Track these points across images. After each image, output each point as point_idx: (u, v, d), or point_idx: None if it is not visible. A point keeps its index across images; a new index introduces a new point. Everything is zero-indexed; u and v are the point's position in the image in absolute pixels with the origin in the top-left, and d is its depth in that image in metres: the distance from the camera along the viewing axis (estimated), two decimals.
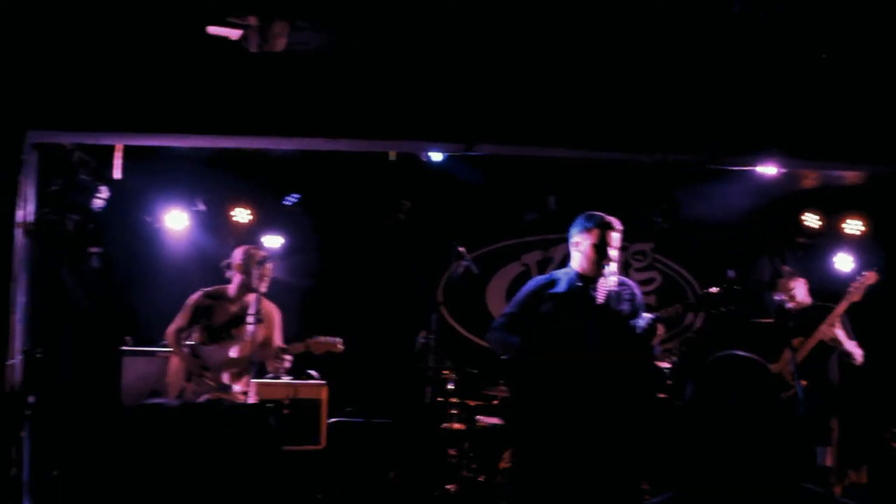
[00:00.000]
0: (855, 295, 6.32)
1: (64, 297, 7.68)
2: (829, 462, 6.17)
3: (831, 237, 8.50)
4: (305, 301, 8.14)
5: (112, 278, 7.92)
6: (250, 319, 6.12)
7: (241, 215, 8.10)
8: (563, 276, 5.32)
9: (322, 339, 6.34)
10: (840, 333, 6.26)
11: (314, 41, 5.04)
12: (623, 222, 8.43)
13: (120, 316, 7.79)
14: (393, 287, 8.22)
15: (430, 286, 7.94)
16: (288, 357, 6.33)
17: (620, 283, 5.27)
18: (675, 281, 8.67)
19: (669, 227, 8.65)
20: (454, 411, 6.97)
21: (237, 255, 6.38)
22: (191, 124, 5.43)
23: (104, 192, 7.21)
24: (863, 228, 8.37)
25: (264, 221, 8.24)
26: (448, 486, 6.76)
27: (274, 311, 6.45)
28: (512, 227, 8.69)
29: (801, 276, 6.93)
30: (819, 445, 6.17)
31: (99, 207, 7.04)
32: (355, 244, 8.41)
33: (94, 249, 7.88)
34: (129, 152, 7.24)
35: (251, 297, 6.21)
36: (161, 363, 6.66)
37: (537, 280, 5.42)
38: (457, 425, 6.96)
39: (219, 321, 6.30)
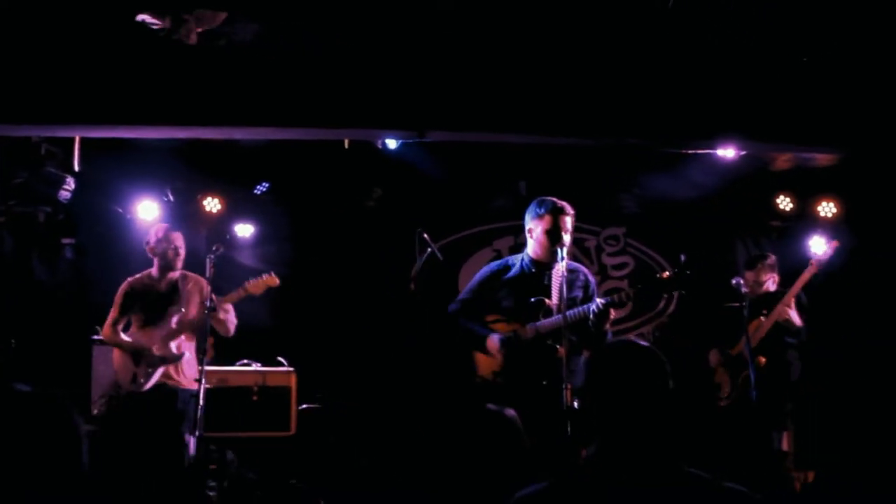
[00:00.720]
0: (814, 267, 6.30)
1: (36, 287, 7.75)
2: (785, 447, 6.17)
3: (805, 220, 8.49)
4: (278, 289, 8.14)
5: (85, 269, 7.97)
6: (178, 299, 6.33)
7: (212, 204, 8.11)
8: (517, 262, 5.35)
9: (256, 280, 6.44)
10: (793, 314, 6.24)
11: (249, 32, 5.02)
12: (594, 207, 8.58)
13: (92, 306, 7.81)
14: (363, 274, 8.23)
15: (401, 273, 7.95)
16: (229, 307, 6.33)
17: (572, 270, 5.29)
18: (648, 265, 8.66)
19: (641, 212, 8.69)
20: None
21: (150, 237, 6.45)
22: (141, 115, 5.43)
23: (71, 184, 7.24)
24: (836, 211, 8.37)
25: (235, 210, 8.25)
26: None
27: (201, 280, 6.47)
28: (483, 212, 8.68)
29: (772, 262, 6.88)
30: (775, 430, 6.17)
31: (66, 199, 7.07)
32: (327, 232, 8.41)
33: (66, 240, 7.95)
34: (98, 144, 7.27)
35: (175, 274, 6.39)
36: None
37: (491, 266, 5.46)
38: None
39: (150, 302, 6.33)
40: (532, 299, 5.13)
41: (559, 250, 5.08)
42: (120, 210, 7.91)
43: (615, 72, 5.68)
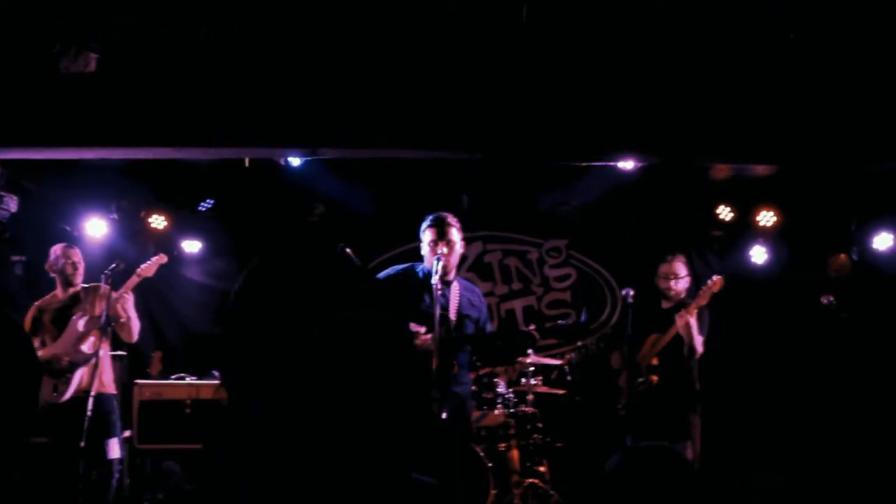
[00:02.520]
0: (702, 299, 6.37)
1: None
2: (689, 456, 6.24)
3: (745, 230, 8.55)
4: (223, 302, 8.35)
5: (33, 285, 8.18)
6: (82, 307, 6.57)
7: (158, 221, 8.31)
8: (420, 271, 5.51)
9: (147, 264, 6.82)
10: (693, 322, 6.30)
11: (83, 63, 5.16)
12: (536, 219, 8.71)
13: None
14: None
15: None
16: (128, 296, 6.58)
17: (470, 289, 5.52)
18: (590, 277, 8.76)
19: (583, 223, 8.78)
20: None
21: (50, 255, 6.71)
22: (46, 137, 5.61)
23: (12, 203, 7.47)
24: (775, 220, 8.42)
25: (180, 227, 8.44)
26: None
27: (101, 286, 6.67)
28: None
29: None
30: (678, 441, 6.24)
31: (4, 217, 7.30)
32: (269, 248, 8.56)
33: (15, 258, 8.19)
34: (45, 163, 7.51)
35: (76, 288, 6.66)
36: None
37: (395, 269, 5.61)
38: None
39: (56, 317, 6.59)
40: (439, 311, 5.23)
41: (436, 262, 5.22)
42: (67, 228, 8.11)
43: (512, 86, 5.78)
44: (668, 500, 2.06)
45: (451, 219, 5.47)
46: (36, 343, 6.52)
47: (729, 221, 8.55)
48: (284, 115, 5.62)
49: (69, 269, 6.61)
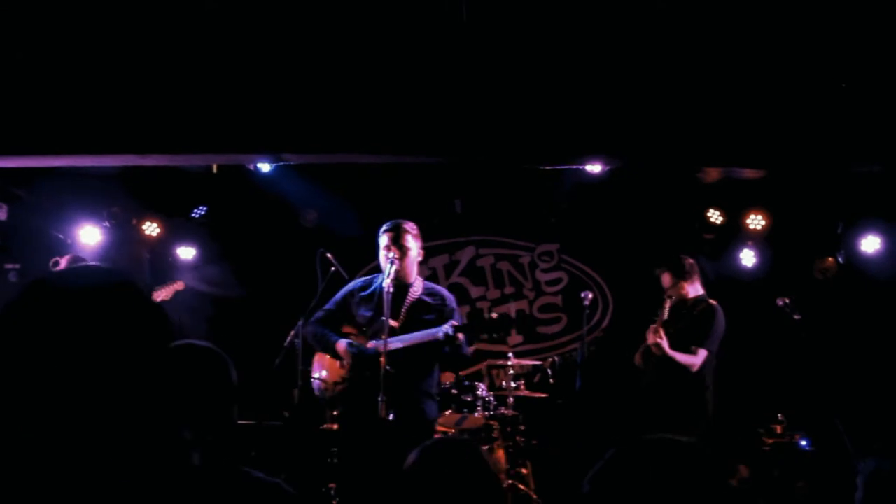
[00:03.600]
0: (664, 314, 6.30)
1: None
2: None
3: (735, 233, 8.61)
4: (219, 307, 8.42)
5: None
6: None
7: (151, 229, 8.38)
8: (377, 280, 5.57)
9: (163, 287, 7.06)
10: (664, 343, 6.19)
11: None
12: (528, 223, 8.77)
13: None
14: (301, 294, 8.44)
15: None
16: None
17: (433, 293, 5.52)
18: (581, 280, 8.81)
19: (575, 228, 8.84)
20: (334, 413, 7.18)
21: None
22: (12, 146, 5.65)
23: (1, 212, 7.54)
24: (764, 223, 8.49)
25: (174, 234, 8.51)
26: (331, 485, 6.97)
27: None
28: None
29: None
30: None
31: None
32: (265, 253, 8.64)
33: (9, 265, 8.25)
34: (37, 171, 7.57)
35: None
36: None
37: (355, 282, 5.72)
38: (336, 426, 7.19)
39: None
40: (382, 318, 5.29)
41: (389, 266, 5.30)
42: (61, 236, 8.18)
43: (475, 89, 5.80)
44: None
45: (408, 225, 5.56)
46: None
47: (719, 225, 8.61)
48: (249, 120, 5.65)
49: None
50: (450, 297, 5.68)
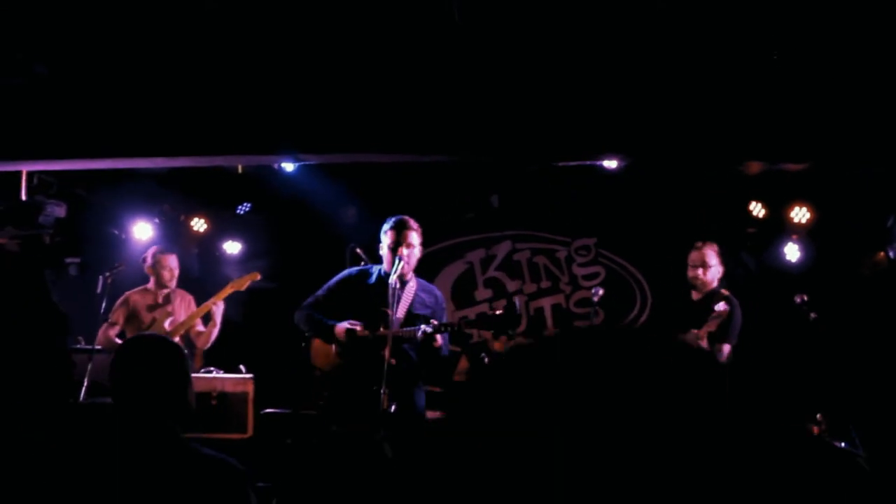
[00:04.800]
0: (711, 326, 6.14)
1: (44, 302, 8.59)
2: None
3: (778, 227, 8.39)
4: (267, 300, 8.73)
5: (90, 285, 8.76)
6: (170, 308, 7.07)
7: (198, 224, 8.78)
8: (375, 272, 5.71)
9: (240, 277, 7.30)
10: (703, 346, 6.14)
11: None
12: (565, 218, 8.76)
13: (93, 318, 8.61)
14: None
15: None
16: (219, 306, 7.03)
17: (428, 291, 5.65)
18: (619, 275, 8.76)
19: (613, 222, 8.78)
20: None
21: (147, 257, 7.09)
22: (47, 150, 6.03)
23: (58, 210, 8.03)
24: (809, 216, 8.24)
25: (221, 229, 8.89)
26: None
27: (188, 294, 7.29)
28: (456, 226, 8.99)
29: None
30: None
31: (48, 223, 7.85)
32: (309, 248, 8.91)
33: (70, 259, 8.78)
34: (97, 172, 8.04)
35: (168, 289, 7.18)
36: None
37: (350, 270, 5.86)
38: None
39: (146, 312, 6.98)
40: (383, 310, 5.44)
41: (398, 262, 5.41)
42: (116, 231, 8.66)
43: (487, 87, 5.86)
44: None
45: (412, 223, 5.68)
46: (117, 329, 7.01)
47: (762, 218, 8.40)
48: (271, 123, 5.86)
49: (166, 274, 7.15)
50: (440, 296, 5.85)
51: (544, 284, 8.84)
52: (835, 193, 8.14)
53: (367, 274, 5.77)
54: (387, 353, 5.21)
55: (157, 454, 2.63)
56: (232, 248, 8.94)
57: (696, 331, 6.14)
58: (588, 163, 7.02)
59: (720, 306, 6.15)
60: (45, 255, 8.56)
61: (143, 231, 8.65)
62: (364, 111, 5.84)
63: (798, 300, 6.63)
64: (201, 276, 8.67)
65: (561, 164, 7.03)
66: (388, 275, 5.54)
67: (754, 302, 7.28)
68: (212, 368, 7.95)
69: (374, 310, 5.50)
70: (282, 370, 8.10)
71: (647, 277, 8.73)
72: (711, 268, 6.56)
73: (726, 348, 6.26)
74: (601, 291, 6.64)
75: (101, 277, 6.98)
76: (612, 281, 8.74)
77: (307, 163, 6.68)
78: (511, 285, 8.88)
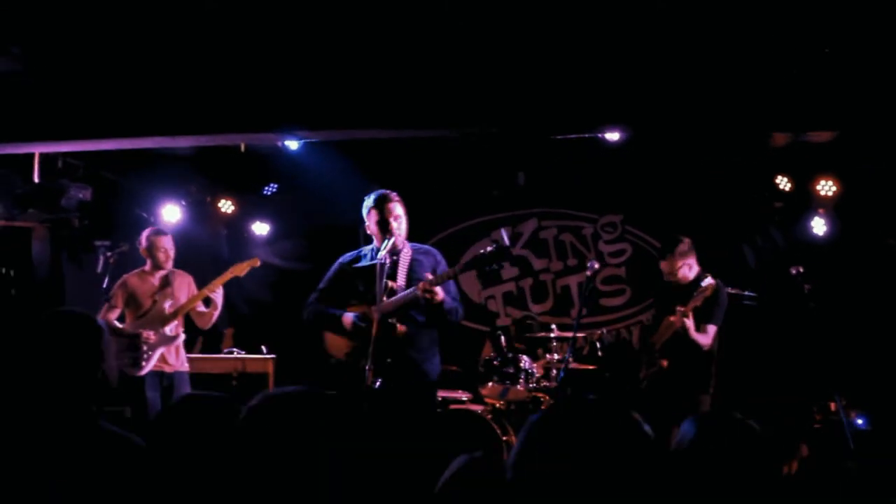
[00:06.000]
0: (697, 300, 6.11)
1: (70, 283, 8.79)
2: None
3: (805, 200, 8.23)
4: (295, 282, 8.81)
5: (119, 268, 8.92)
6: (169, 291, 7.00)
7: (226, 206, 8.88)
8: (367, 252, 5.69)
9: (240, 263, 7.13)
10: (690, 325, 6.08)
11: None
12: (591, 194, 8.70)
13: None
14: None
15: None
16: (219, 290, 6.98)
17: (424, 252, 5.60)
18: (646, 252, 8.67)
19: (639, 198, 8.69)
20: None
21: (141, 240, 7.10)
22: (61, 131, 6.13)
23: (82, 193, 8.18)
24: (836, 189, 8.08)
25: (248, 211, 8.99)
26: None
27: (187, 275, 7.19)
28: (483, 204, 8.97)
29: (684, 248, 6.71)
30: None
31: (70, 205, 8.01)
32: (336, 228, 8.95)
33: (99, 242, 8.94)
34: (124, 155, 8.17)
35: (165, 270, 7.05)
36: None
37: (344, 257, 5.81)
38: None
39: (145, 295, 7.04)
40: (382, 282, 5.41)
41: (388, 240, 5.39)
42: (144, 214, 8.79)
43: (497, 62, 5.81)
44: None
45: (393, 194, 5.61)
46: (117, 312, 7.07)
47: (788, 192, 8.26)
48: (273, 100, 5.89)
49: (161, 256, 7.02)
50: (437, 253, 5.75)
51: (570, 262, 8.80)
52: (861, 165, 7.97)
53: (360, 257, 5.75)
54: (374, 328, 5.19)
55: (59, 430, 2.62)
56: (260, 229, 9.04)
57: (681, 307, 6.10)
58: (599, 135, 6.92)
59: (706, 282, 6.13)
60: (74, 237, 8.79)
61: (171, 213, 8.77)
62: (364, 86, 5.82)
63: (794, 272, 6.51)
64: (231, 258, 8.76)
65: (577, 135, 6.92)
66: (377, 253, 5.50)
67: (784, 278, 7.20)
68: (233, 349, 8.07)
69: (376, 287, 5.49)
70: (307, 351, 8.20)
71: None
72: (680, 270, 6.43)
73: (711, 329, 6.22)
74: (596, 265, 6.57)
75: (101, 256, 7.05)
76: (638, 257, 8.66)
77: (310, 140, 6.67)
78: (537, 263, 8.86)
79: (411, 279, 5.50)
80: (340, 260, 5.79)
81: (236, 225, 9.07)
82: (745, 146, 8.09)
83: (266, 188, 8.86)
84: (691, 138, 7.89)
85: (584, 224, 8.86)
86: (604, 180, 8.67)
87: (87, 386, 2.81)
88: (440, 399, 7.22)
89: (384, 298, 5.37)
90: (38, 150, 6.84)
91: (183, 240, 8.91)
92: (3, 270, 8.80)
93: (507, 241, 5.32)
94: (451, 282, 5.55)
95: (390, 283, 5.42)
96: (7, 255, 8.85)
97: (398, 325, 5.33)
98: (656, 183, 8.53)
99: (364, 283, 5.57)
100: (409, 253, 5.61)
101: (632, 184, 8.63)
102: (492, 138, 7.97)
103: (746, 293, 7.37)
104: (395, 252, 5.55)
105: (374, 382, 5.15)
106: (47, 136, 6.14)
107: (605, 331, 7.66)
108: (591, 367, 7.47)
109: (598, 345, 7.52)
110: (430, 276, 5.35)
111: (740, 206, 8.47)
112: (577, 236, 8.85)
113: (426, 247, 5.74)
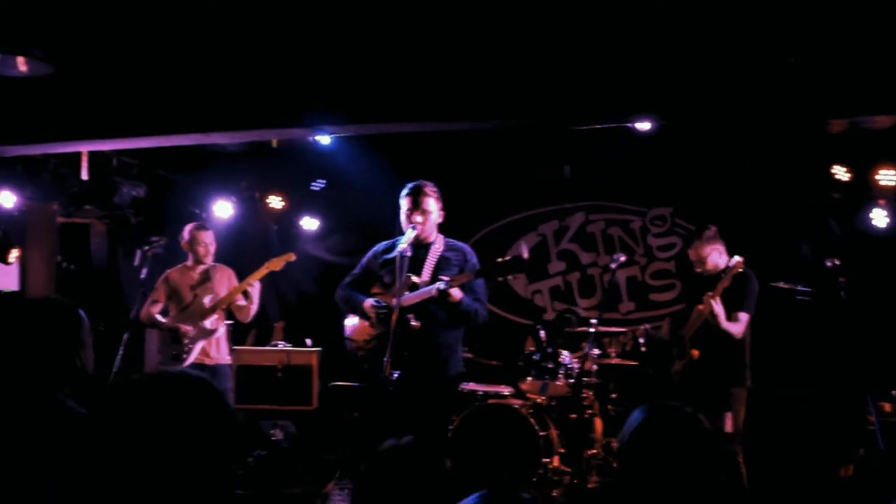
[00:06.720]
0: (725, 282, 5.99)
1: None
2: (728, 428, 5.96)
3: (864, 190, 7.91)
4: (336, 277, 8.85)
5: (174, 263, 9.12)
6: (210, 285, 7.10)
7: (275, 202, 8.99)
8: (400, 241, 5.69)
9: (276, 258, 7.19)
10: (720, 311, 5.98)
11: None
12: (640, 187, 8.52)
13: None
14: None
15: None
16: (256, 285, 7.04)
17: (455, 249, 5.59)
18: None
19: (689, 190, 8.48)
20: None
21: (184, 233, 7.22)
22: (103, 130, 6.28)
23: (135, 191, 8.37)
24: None
25: (297, 206, 9.08)
26: None
27: (228, 269, 7.31)
28: (529, 197, 8.88)
29: (711, 234, 6.55)
30: (718, 411, 5.97)
31: (123, 202, 8.21)
32: (385, 223, 8.97)
33: (155, 238, 9.15)
34: (178, 153, 8.35)
35: (206, 265, 7.18)
36: None
37: (379, 245, 5.84)
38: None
39: (186, 288, 7.17)
40: (402, 274, 5.42)
41: (410, 230, 5.38)
42: (197, 211, 8.96)
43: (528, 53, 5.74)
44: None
45: (429, 188, 5.60)
46: (160, 306, 7.23)
47: (846, 182, 7.94)
48: (303, 95, 5.92)
49: (201, 250, 7.17)
50: (469, 251, 5.73)
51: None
52: None
53: (393, 246, 5.76)
54: (394, 319, 5.19)
55: (31, 416, 2.68)
56: (309, 224, 9.13)
57: (709, 293, 6.00)
58: (647, 126, 6.73)
59: (734, 260, 6.06)
60: (130, 234, 9.01)
61: (223, 209, 8.92)
62: (390, 80, 5.81)
63: (829, 264, 6.30)
64: (281, 253, 8.84)
65: (621, 126, 6.77)
66: (407, 243, 5.50)
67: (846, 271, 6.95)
68: (278, 342, 8.16)
69: (400, 278, 5.48)
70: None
71: (727, 247, 8.36)
72: (709, 257, 6.37)
73: (743, 317, 6.10)
74: (623, 258, 6.45)
75: (138, 251, 7.20)
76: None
77: (341, 135, 6.70)
78: (585, 257, 8.72)
79: (437, 275, 5.50)
80: (375, 248, 5.83)
81: (286, 220, 9.18)
82: (799, 135, 7.81)
83: (314, 183, 8.93)
84: (743, 127, 7.67)
85: (633, 217, 8.69)
86: (653, 172, 8.47)
87: (60, 370, 2.86)
88: (481, 393, 7.20)
89: (406, 292, 5.38)
90: (80, 148, 7.00)
91: (234, 235, 9.10)
92: (64, 265, 9.12)
93: (525, 253, 5.29)
94: (480, 282, 5.54)
95: (413, 278, 5.44)
96: (67, 250, 9.17)
97: (412, 321, 5.32)
98: (707, 174, 8.30)
99: (389, 273, 5.59)
100: (440, 249, 5.62)
101: (681, 176, 8.42)
102: (536, 131, 7.90)
103: (799, 287, 7.17)
104: (423, 245, 5.55)
105: (392, 374, 5.16)
106: (91, 135, 6.29)
107: (648, 326, 7.47)
108: (631, 363, 7.33)
109: (640, 340, 7.36)
110: (444, 279, 5.33)
111: (795, 198, 8.19)
112: (626, 230, 8.68)
113: (459, 244, 5.73)
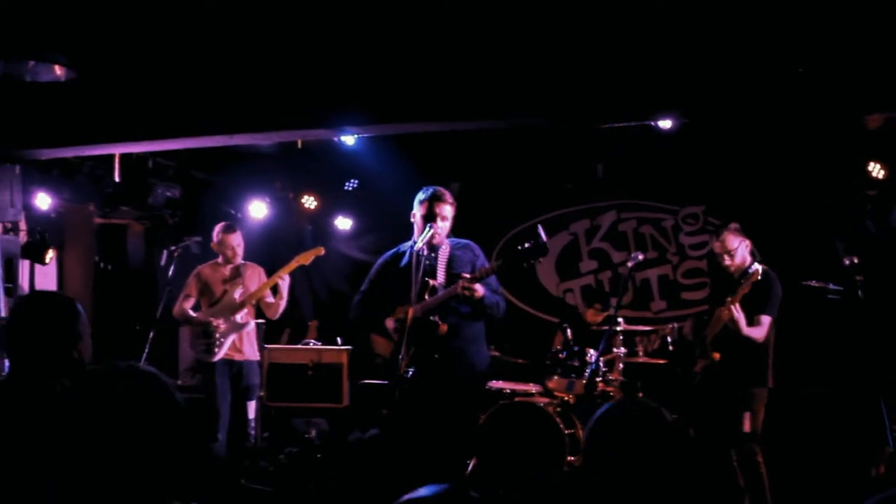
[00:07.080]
0: (745, 287, 5.90)
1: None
2: (746, 427, 5.91)
3: None
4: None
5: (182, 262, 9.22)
6: (240, 280, 7.23)
7: (309, 202, 9.08)
8: (407, 249, 5.72)
9: (305, 252, 7.27)
10: (740, 317, 5.90)
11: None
12: (672, 185, 8.46)
13: None
14: None
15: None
16: (285, 279, 7.12)
17: (463, 247, 5.60)
18: None
19: (722, 188, 8.39)
20: None
21: (213, 235, 7.34)
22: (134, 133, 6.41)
23: (169, 192, 8.52)
24: None
25: (331, 206, 9.17)
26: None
27: (258, 267, 7.43)
28: (560, 196, 8.86)
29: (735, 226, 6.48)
30: (737, 412, 5.93)
31: (157, 203, 8.36)
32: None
33: (192, 238, 9.29)
34: (214, 155, 8.49)
35: (236, 263, 7.31)
36: None
37: (385, 256, 5.90)
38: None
39: (217, 285, 7.28)
40: (419, 275, 5.45)
41: (427, 230, 5.41)
42: (232, 211, 9.08)
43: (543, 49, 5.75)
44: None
45: (447, 195, 5.65)
46: (192, 301, 7.32)
47: (882, 179, 7.81)
48: (326, 95, 6.00)
49: (229, 253, 7.30)
50: (476, 247, 5.80)
51: (650, 255, 8.57)
52: None
53: (401, 254, 5.79)
54: (409, 315, 5.23)
55: (34, 405, 2.77)
56: (343, 223, 9.21)
57: (729, 297, 5.91)
58: (679, 124, 6.68)
59: (753, 267, 5.95)
60: (168, 234, 9.17)
61: (257, 210, 9.04)
62: (412, 79, 5.87)
63: (847, 262, 6.22)
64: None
65: (651, 123, 6.74)
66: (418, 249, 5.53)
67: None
68: (309, 341, 8.25)
69: (417, 284, 5.51)
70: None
71: (760, 246, 8.27)
72: (736, 250, 6.26)
73: (765, 319, 6.02)
74: (641, 256, 6.42)
75: (165, 251, 7.32)
76: None
77: (365, 135, 6.76)
78: (616, 256, 8.68)
79: (450, 274, 5.54)
80: (382, 259, 5.88)
81: (320, 220, 9.28)
82: (834, 131, 7.71)
83: (347, 183, 9.01)
84: (776, 124, 7.58)
85: (665, 216, 8.62)
86: (685, 170, 8.41)
87: (58, 361, 2.95)
88: (508, 391, 7.21)
89: (426, 296, 5.43)
90: (111, 151, 7.13)
91: (269, 235, 9.23)
92: (102, 265, 9.30)
93: (544, 237, 5.27)
94: (492, 275, 5.56)
95: (431, 282, 5.48)
96: (105, 251, 9.36)
97: (441, 325, 5.37)
98: (739, 172, 8.21)
99: (405, 279, 5.57)
100: (448, 249, 5.67)
101: (714, 174, 8.34)
102: (563, 129, 7.89)
103: (831, 286, 7.07)
104: (433, 249, 5.59)
105: (407, 372, 5.21)
106: (120, 138, 6.45)
107: (675, 325, 7.42)
108: (659, 362, 7.28)
109: (668, 339, 7.31)
110: (466, 276, 5.36)
111: (830, 196, 8.08)
112: (658, 228, 8.63)
113: (465, 241, 5.77)
